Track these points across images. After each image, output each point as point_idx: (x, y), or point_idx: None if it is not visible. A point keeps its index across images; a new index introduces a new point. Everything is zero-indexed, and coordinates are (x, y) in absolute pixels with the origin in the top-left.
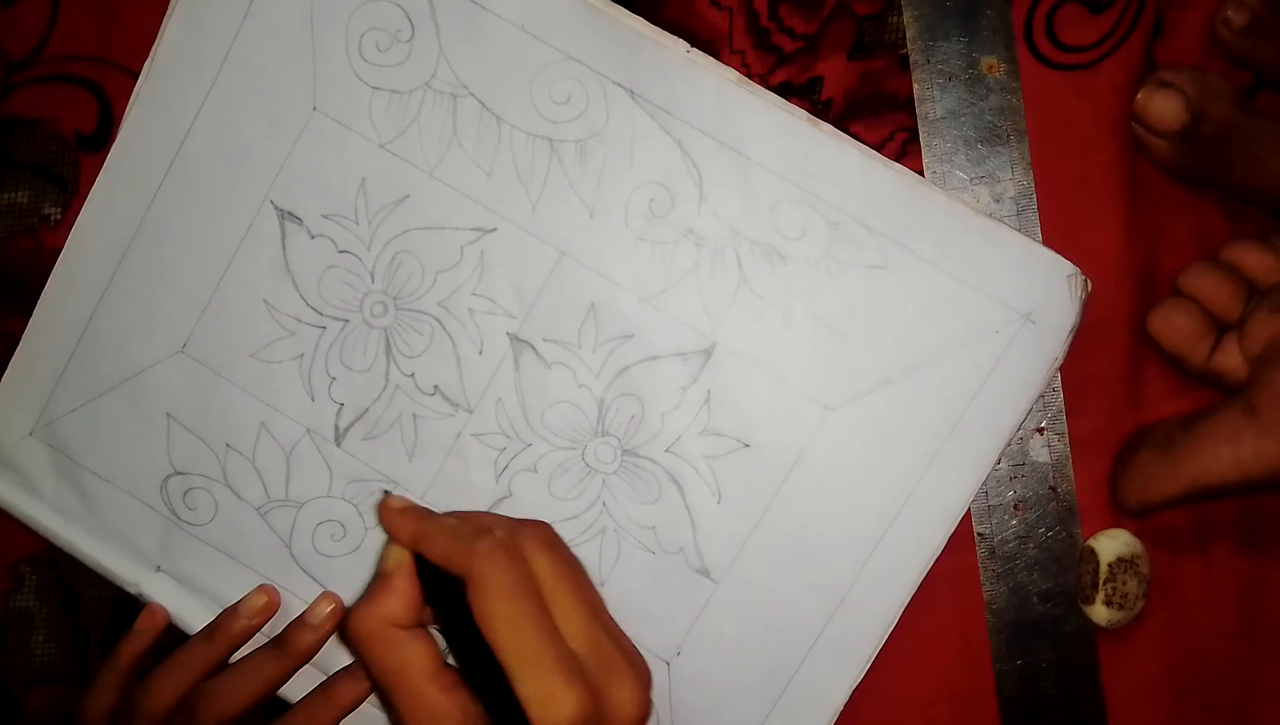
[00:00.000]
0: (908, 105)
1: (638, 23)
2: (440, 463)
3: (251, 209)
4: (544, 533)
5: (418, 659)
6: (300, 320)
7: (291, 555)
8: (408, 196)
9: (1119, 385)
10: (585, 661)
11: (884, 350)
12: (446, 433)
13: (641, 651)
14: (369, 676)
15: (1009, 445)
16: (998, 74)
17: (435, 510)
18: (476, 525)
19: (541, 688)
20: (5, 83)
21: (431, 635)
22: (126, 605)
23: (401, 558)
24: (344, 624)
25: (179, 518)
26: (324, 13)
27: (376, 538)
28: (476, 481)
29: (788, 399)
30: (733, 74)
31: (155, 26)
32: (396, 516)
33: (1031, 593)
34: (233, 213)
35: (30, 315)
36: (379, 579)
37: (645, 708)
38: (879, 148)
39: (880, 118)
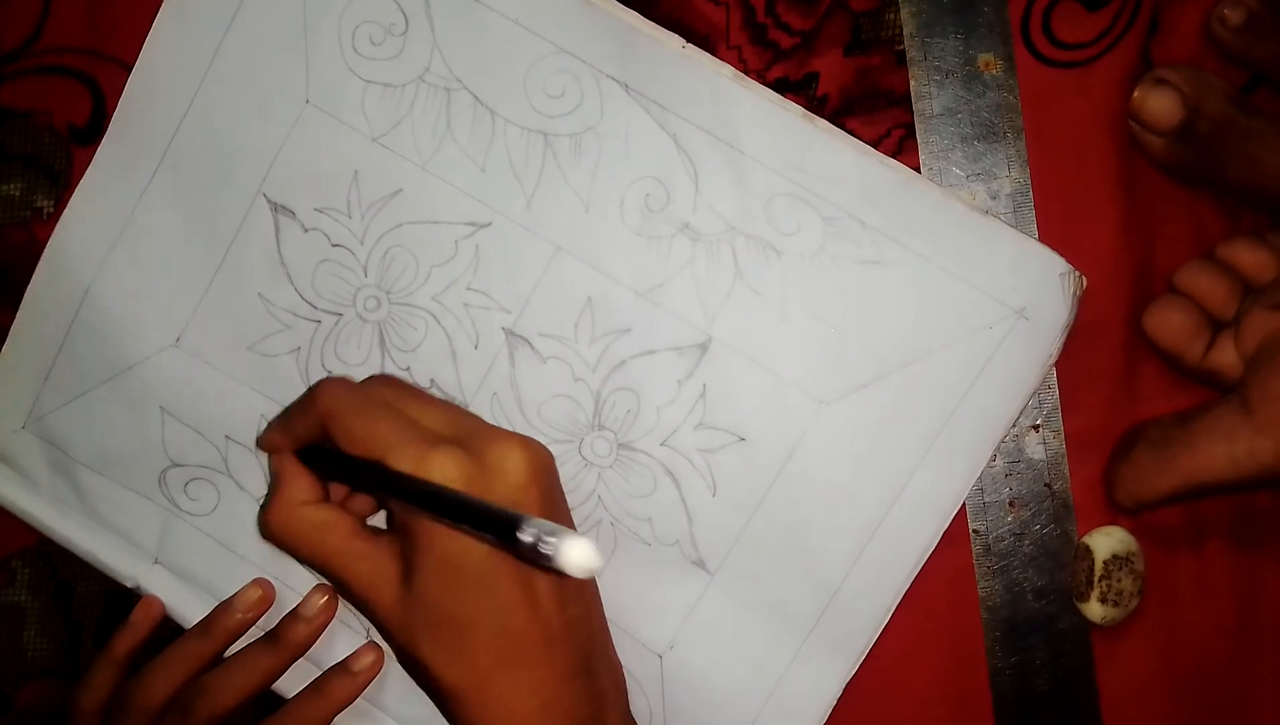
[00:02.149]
0: (904, 102)
1: (633, 17)
2: None
3: (245, 202)
4: (384, 376)
5: (334, 521)
6: (296, 314)
7: None
8: (401, 190)
9: (1114, 383)
10: (454, 436)
11: (878, 345)
12: None
13: (635, 644)
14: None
15: (1004, 442)
16: (994, 71)
17: None
18: (313, 387)
19: (412, 460)
20: None
21: (345, 510)
22: (120, 600)
23: (280, 455)
24: (262, 528)
25: (180, 508)
26: (317, 5)
27: None
28: None
29: (782, 393)
30: (728, 69)
31: (149, 18)
32: (266, 439)
33: (1026, 590)
34: (226, 206)
35: (20, 307)
36: (271, 481)
37: (530, 465)
38: (875, 144)
39: (877, 114)
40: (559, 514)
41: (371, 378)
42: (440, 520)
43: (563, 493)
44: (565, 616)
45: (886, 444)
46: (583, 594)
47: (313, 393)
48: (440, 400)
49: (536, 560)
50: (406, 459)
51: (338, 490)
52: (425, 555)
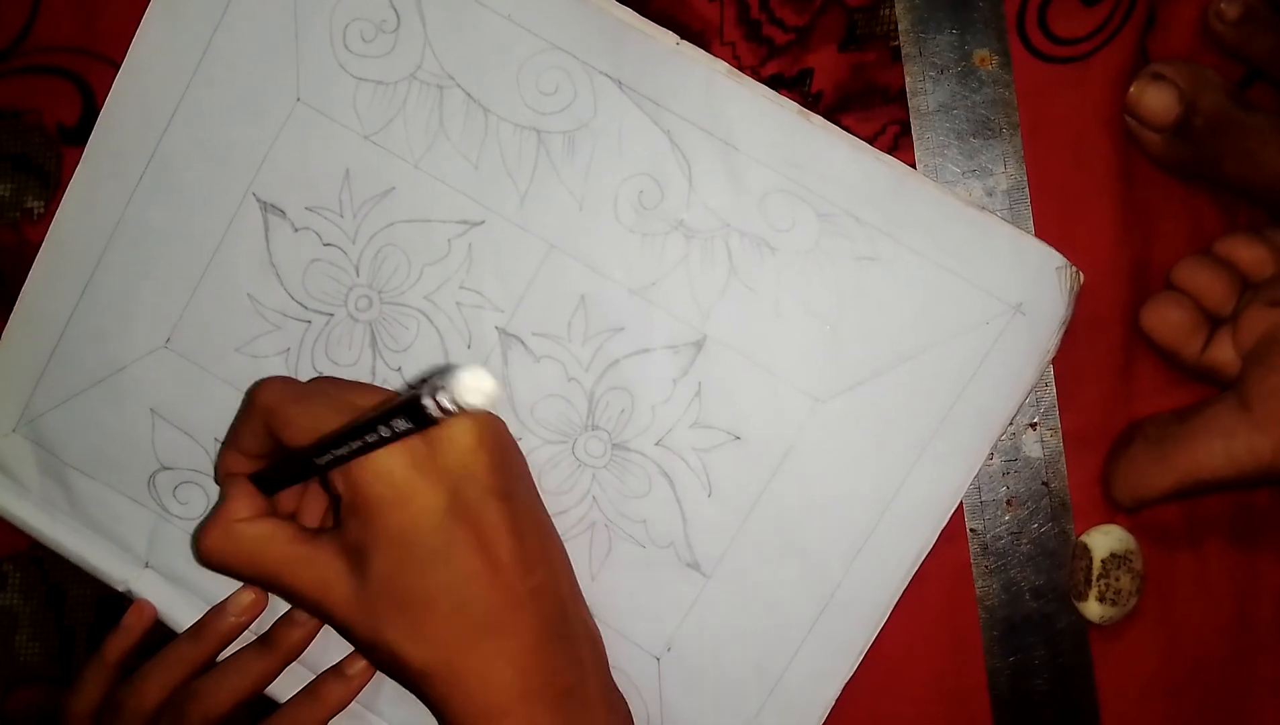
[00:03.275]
0: (900, 98)
1: (626, 13)
2: None
3: (234, 202)
4: (324, 376)
5: (271, 532)
6: (285, 314)
7: None
8: (393, 189)
9: (1112, 380)
10: None
11: (874, 341)
12: None
13: (632, 647)
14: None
15: (1001, 440)
16: (990, 67)
17: None
18: (251, 389)
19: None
20: None
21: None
22: (112, 604)
23: (228, 479)
24: (195, 552)
25: (169, 512)
26: (308, 3)
27: None
28: None
29: (778, 391)
30: (722, 65)
31: (139, 17)
32: (220, 467)
33: (1024, 589)
34: (215, 206)
35: (11, 310)
36: (217, 504)
37: (477, 432)
38: (871, 141)
39: (872, 110)
40: (516, 482)
41: (314, 378)
42: (367, 447)
43: (522, 461)
44: (530, 583)
45: (883, 442)
46: (549, 559)
47: (250, 395)
48: (378, 387)
49: (446, 411)
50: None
51: (306, 511)
52: (377, 534)
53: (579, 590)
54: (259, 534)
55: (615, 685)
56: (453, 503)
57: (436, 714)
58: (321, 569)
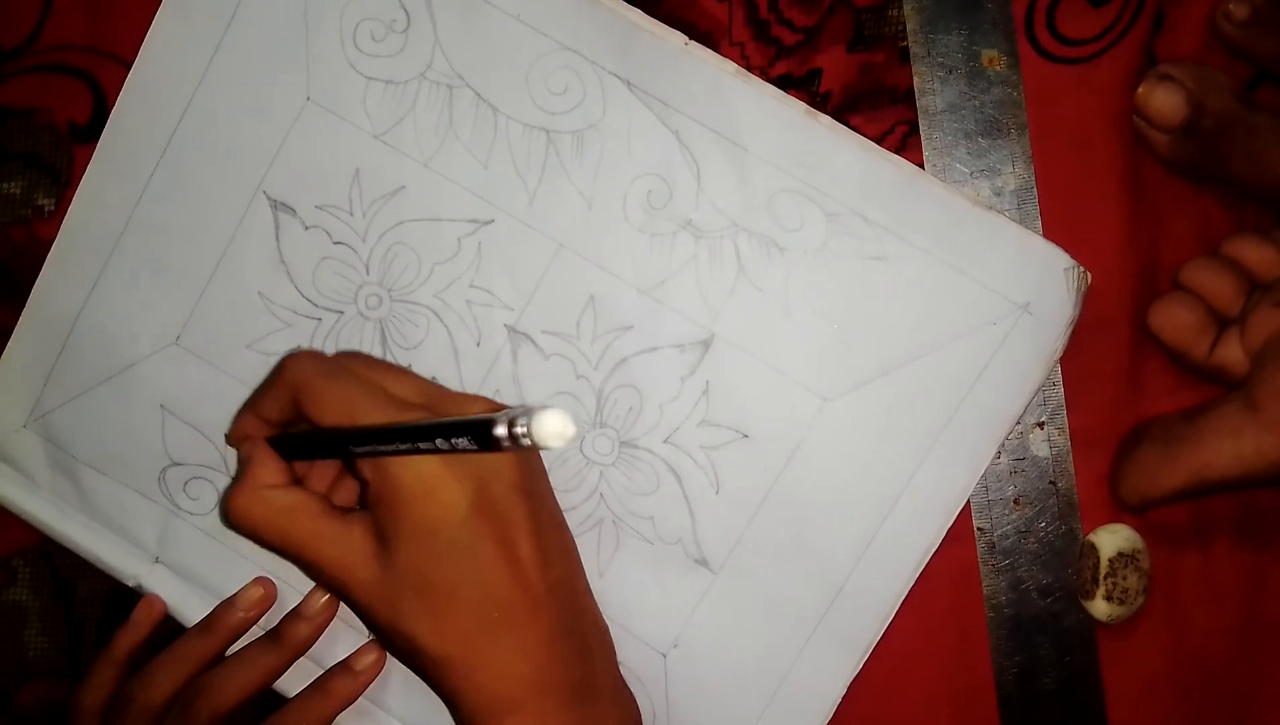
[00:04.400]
0: (908, 98)
1: (635, 14)
2: None
3: (244, 200)
4: (353, 352)
5: (302, 503)
6: (296, 312)
7: None
8: (403, 188)
9: (1119, 380)
10: (423, 402)
11: (881, 341)
12: None
13: (638, 644)
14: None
15: (1009, 439)
16: (998, 67)
17: None
18: (281, 362)
19: (383, 422)
20: None
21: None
22: (122, 598)
23: (248, 442)
24: (225, 514)
25: (179, 507)
26: (318, 2)
27: None
28: None
29: (786, 390)
30: (731, 66)
31: (151, 16)
32: (236, 428)
33: (1031, 588)
34: (225, 204)
35: (23, 307)
36: (239, 468)
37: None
38: (879, 141)
39: (880, 111)
40: (538, 480)
41: (340, 352)
42: (417, 451)
43: (542, 463)
44: (549, 579)
45: (890, 441)
46: (566, 556)
47: (280, 367)
48: (408, 371)
49: (517, 444)
50: (378, 421)
51: (316, 482)
52: (403, 524)
53: (589, 585)
54: (290, 504)
55: (623, 679)
56: (478, 499)
57: (449, 703)
58: (348, 548)
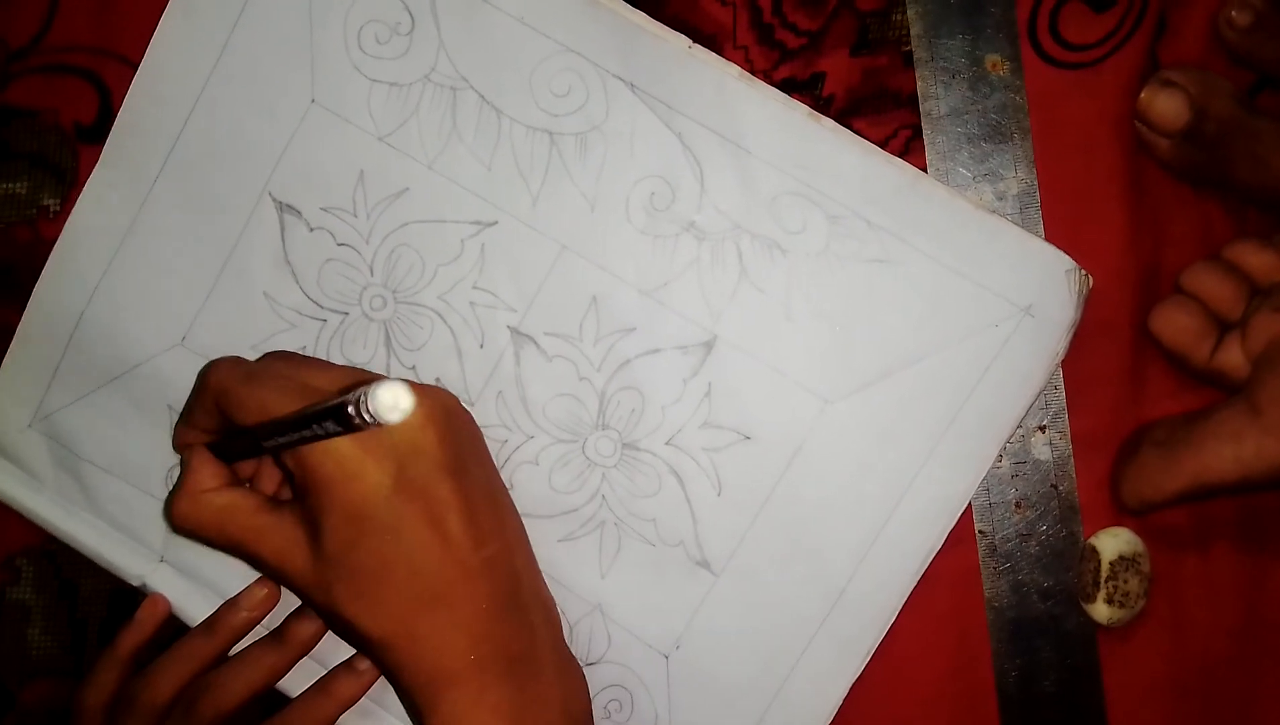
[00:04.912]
0: (911, 102)
1: (639, 17)
2: None
3: (250, 201)
4: (278, 351)
5: (238, 502)
6: (301, 313)
7: None
8: (407, 190)
9: (1121, 384)
10: (339, 389)
11: (883, 344)
12: None
13: (641, 645)
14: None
15: (1010, 443)
16: (1001, 72)
17: None
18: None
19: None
20: (3, 72)
21: (252, 489)
22: (125, 598)
23: (186, 449)
24: (168, 519)
25: None
26: (323, 4)
27: None
28: None
29: (788, 392)
30: (734, 69)
31: (155, 17)
32: (176, 438)
33: (1032, 591)
34: (231, 205)
35: (28, 307)
36: (179, 475)
37: (426, 408)
38: (883, 144)
39: (884, 115)
40: (468, 456)
41: (265, 354)
42: (307, 440)
43: (476, 435)
44: (483, 554)
45: (892, 443)
46: (501, 531)
47: (202, 374)
48: (335, 364)
49: (367, 420)
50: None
51: (266, 481)
52: (329, 510)
53: (534, 561)
54: (225, 504)
55: (570, 653)
56: (399, 479)
57: (392, 681)
58: (282, 540)
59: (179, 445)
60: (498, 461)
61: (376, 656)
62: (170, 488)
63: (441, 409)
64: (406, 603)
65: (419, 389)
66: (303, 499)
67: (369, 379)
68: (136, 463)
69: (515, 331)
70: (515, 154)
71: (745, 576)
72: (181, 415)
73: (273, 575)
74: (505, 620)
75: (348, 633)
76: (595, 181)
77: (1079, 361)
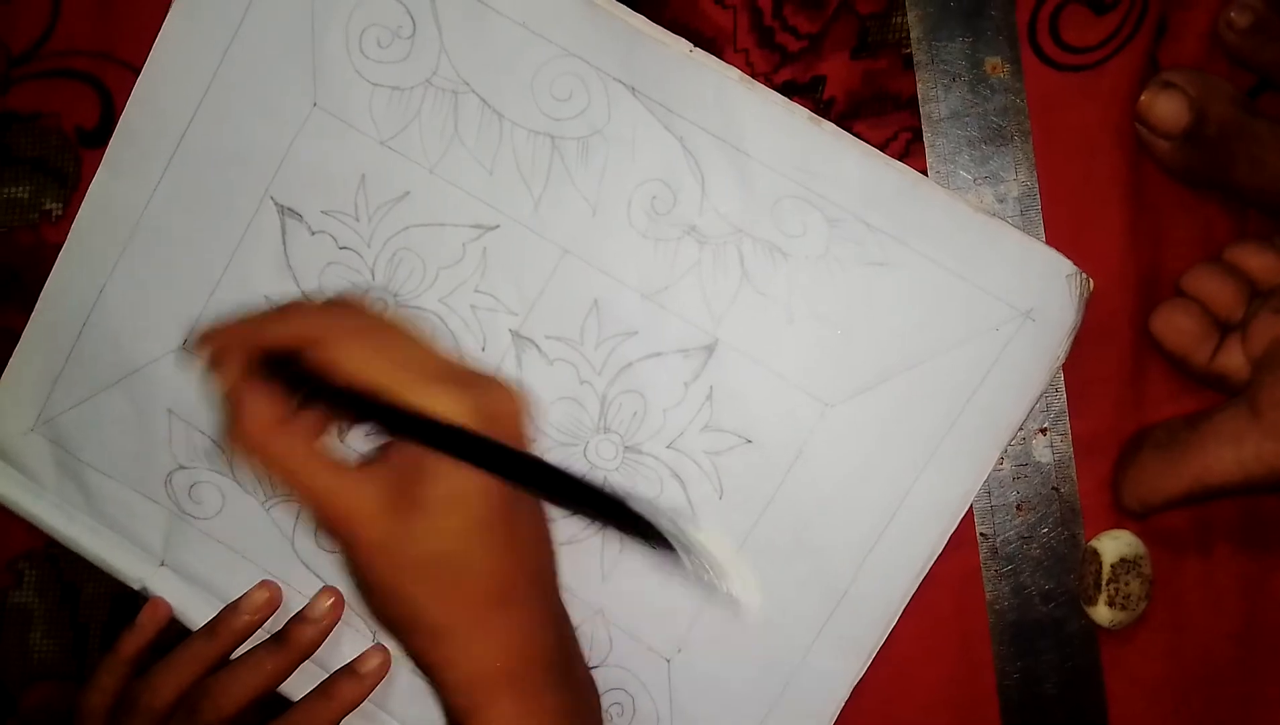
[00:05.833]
0: (911, 105)
1: (640, 20)
2: None
3: (251, 205)
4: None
5: (318, 451)
6: None
7: (294, 550)
8: (408, 193)
9: (1122, 386)
10: (449, 376)
11: (884, 347)
12: None
13: (643, 648)
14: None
15: (1011, 445)
16: (1001, 74)
17: None
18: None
19: (429, 399)
20: (5, 77)
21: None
22: (126, 601)
23: (233, 373)
24: (235, 445)
25: (184, 511)
26: (325, 8)
27: None
28: None
29: (789, 395)
30: (735, 72)
31: (158, 21)
32: (215, 338)
33: (1034, 593)
34: (233, 209)
35: (31, 311)
36: (229, 395)
37: (520, 402)
38: (883, 147)
39: (884, 117)
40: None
41: (334, 301)
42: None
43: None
44: (538, 562)
45: (893, 446)
46: (548, 543)
47: (284, 313)
48: (432, 344)
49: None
50: (421, 398)
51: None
52: (426, 496)
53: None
54: (305, 451)
55: (586, 664)
56: (496, 480)
57: (434, 675)
58: (360, 502)
59: (217, 345)
60: None
61: (427, 645)
62: (169, 493)
63: (527, 412)
64: (478, 598)
65: (512, 389)
66: (395, 472)
67: (472, 375)
68: (137, 466)
69: (516, 335)
70: (517, 158)
71: None
72: (235, 321)
73: (333, 532)
74: (551, 629)
75: (399, 617)
76: (597, 185)
77: (1080, 364)
